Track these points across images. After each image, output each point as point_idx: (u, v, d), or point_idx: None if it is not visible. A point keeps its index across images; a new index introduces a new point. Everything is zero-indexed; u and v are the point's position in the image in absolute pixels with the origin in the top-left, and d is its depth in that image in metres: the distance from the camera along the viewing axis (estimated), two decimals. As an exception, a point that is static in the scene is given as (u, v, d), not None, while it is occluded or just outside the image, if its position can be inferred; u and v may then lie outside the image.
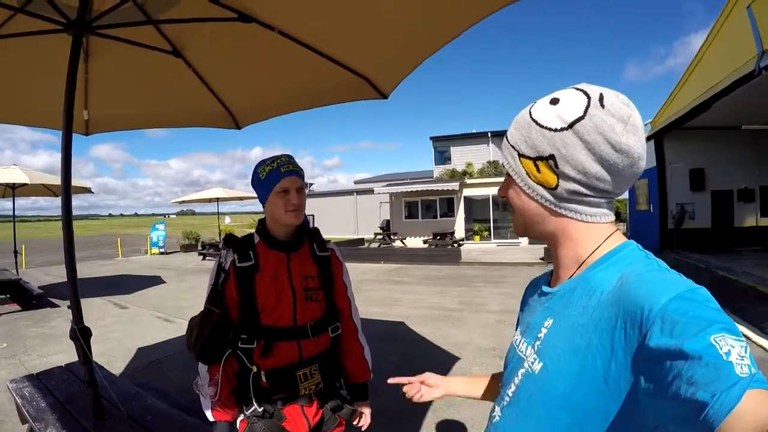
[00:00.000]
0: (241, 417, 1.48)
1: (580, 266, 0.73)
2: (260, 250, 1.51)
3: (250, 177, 1.56)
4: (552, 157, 0.68)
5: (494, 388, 1.05)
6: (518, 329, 0.86)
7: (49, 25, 1.86)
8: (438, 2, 1.85)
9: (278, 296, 1.47)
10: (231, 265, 1.47)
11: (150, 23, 2.13)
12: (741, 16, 6.60)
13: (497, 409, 0.83)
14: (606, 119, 0.64)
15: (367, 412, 1.69)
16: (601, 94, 0.66)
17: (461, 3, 1.81)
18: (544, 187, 0.71)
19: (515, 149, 0.74)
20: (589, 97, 0.67)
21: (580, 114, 0.66)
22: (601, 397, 0.61)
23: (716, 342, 0.49)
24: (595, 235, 0.72)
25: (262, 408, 1.45)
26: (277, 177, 1.48)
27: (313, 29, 2.13)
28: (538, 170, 0.71)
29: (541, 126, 0.69)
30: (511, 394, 0.78)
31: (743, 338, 0.51)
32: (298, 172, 1.52)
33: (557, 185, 0.69)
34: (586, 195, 0.69)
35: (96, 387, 2.00)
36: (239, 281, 1.45)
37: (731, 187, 13.18)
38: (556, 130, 0.67)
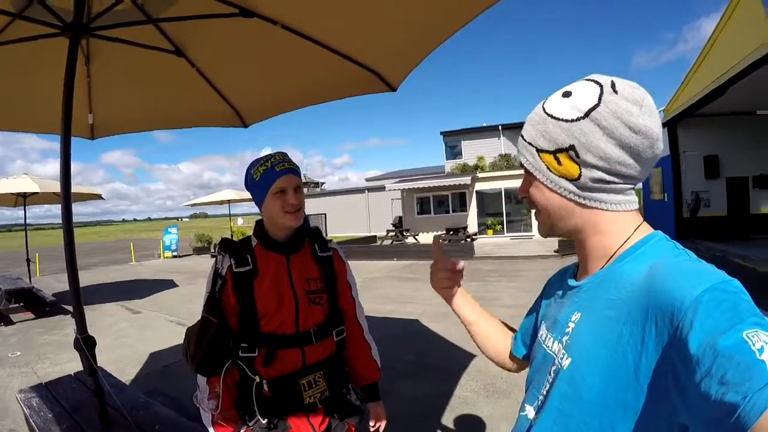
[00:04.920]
0: (244, 429, 1.41)
1: (609, 259, 0.71)
2: (258, 254, 1.45)
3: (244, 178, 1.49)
4: (572, 147, 0.68)
5: (489, 327, 1.06)
6: (543, 325, 0.84)
7: (45, 29, 1.81)
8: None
9: (279, 301, 1.41)
10: (228, 270, 1.40)
11: (149, 22, 2.08)
12: (753, -2, 6.43)
13: (529, 408, 0.80)
14: (621, 104, 0.65)
15: (380, 412, 1.64)
16: (612, 82, 0.67)
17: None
18: (566, 179, 0.71)
19: (533, 145, 0.74)
20: (601, 86, 0.67)
21: (595, 102, 0.66)
22: (632, 391, 0.60)
23: (749, 338, 0.47)
24: (622, 225, 0.71)
25: (266, 419, 1.38)
26: (272, 177, 1.40)
27: (316, 22, 2.06)
28: (559, 163, 0.70)
29: (557, 119, 0.69)
30: (545, 394, 0.75)
31: None
32: (295, 170, 1.44)
33: (580, 175, 0.69)
34: (610, 182, 0.68)
35: (102, 396, 1.96)
36: (237, 287, 1.39)
37: (746, 173, 12.92)
38: (572, 120, 0.68)
